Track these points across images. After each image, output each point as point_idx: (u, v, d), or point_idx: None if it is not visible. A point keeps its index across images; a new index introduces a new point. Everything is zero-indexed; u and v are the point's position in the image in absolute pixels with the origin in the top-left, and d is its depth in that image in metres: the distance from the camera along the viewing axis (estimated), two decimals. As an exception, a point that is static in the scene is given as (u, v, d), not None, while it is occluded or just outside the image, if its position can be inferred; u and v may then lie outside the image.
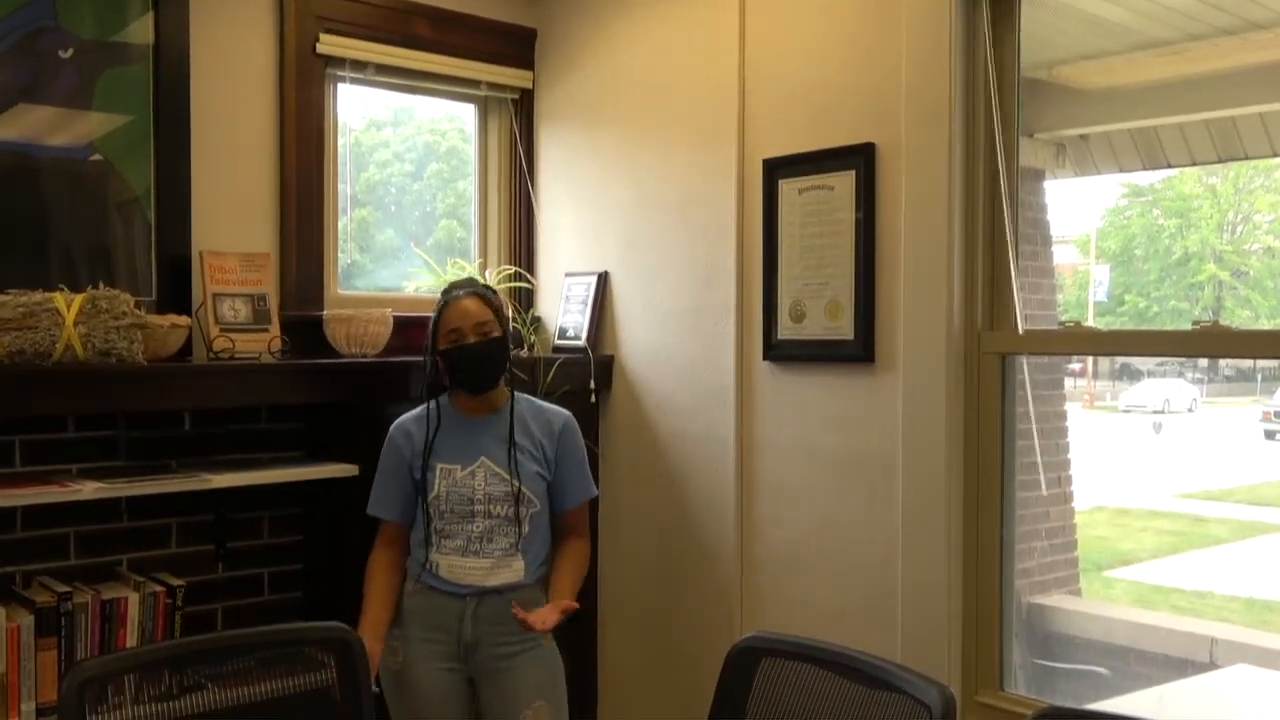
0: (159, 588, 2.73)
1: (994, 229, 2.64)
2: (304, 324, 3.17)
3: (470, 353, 2.56)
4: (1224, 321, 2.34)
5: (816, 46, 2.91)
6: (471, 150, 3.79)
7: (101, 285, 2.64)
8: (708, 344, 3.17)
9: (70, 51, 2.86)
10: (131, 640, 2.66)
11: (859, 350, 2.80)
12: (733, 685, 2.18)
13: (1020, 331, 2.61)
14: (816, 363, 2.91)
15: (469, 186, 3.81)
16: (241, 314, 2.99)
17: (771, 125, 3.02)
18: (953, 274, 2.62)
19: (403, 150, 3.79)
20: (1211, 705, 3.73)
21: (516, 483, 2.55)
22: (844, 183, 2.83)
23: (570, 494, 2.66)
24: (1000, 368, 2.62)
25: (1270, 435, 5.52)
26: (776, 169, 2.99)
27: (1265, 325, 4.19)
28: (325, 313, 3.17)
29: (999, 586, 2.63)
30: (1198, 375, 5.84)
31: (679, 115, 3.26)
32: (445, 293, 2.66)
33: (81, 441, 2.81)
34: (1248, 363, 4.88)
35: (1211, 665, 4.57)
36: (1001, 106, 2.63)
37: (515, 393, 2.64)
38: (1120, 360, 5.29)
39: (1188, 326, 2.37)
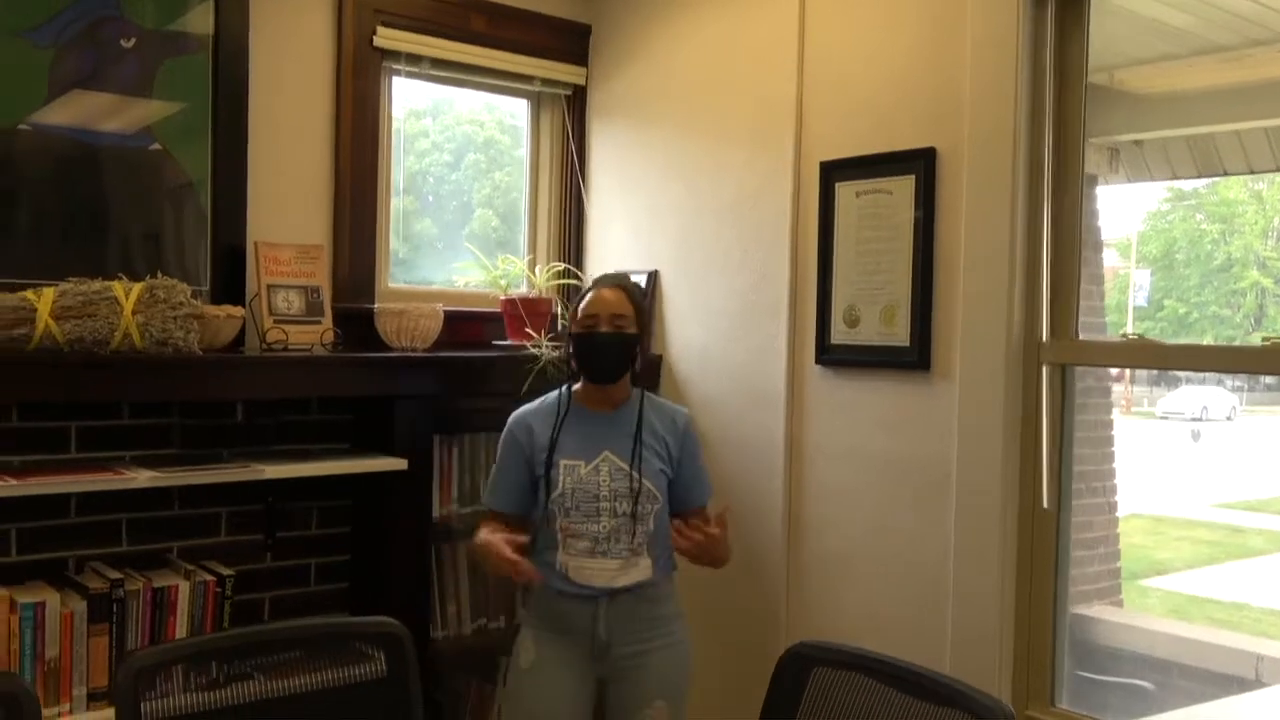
0: (209, 576, 2.74)
1: (1057, 237, 2.61)
2: (354, 316, 3.17)
3: (600, 341, 2.58)
4: (1266, 329, 2.30)
5: (878, 48, 2.87)
6: (523, 145, 3.78)
7: (159, 274, 2.66)
8: (759, 346, 3.15)
9: (132, 41, 2.88)
10: (181, 628, 2.67)
11: (915, 357, 2.77)
12: (783, 692, 2.16)
13: (1081, 341, 2.58)
14: (870, 368, 2.89)
15: (505, 177, 3.80)
16: (295, 306, 3.00)
17: (829, 127, 2.99)
18: (1015, 282, 2.59)
19: (441, 140, 3.78)
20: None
21: (638, 477, 2.54)
22: (903, 187, 2.80)
23: (694, 493, 2.67)
24: (1061, 378, 2.59)
25: (1311, 446, 5.45)
26: (833, 171, 2.96)
27: (1313, 336, 4.13)
28: (376, 306, 3.18)
29: (1053, 599, 2.60)
30: (1237, 383, 5.76)
31: (734, 115, 3.24)
32: (595, 281, 2.71)
33: (136, 429, 2.82)
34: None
35: (1257, 681, 4.50)
36: (1068, 111, 2.59)
37: (645, 390, 2.66)
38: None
39: (1230, 333, 2.33)
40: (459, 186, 3.78)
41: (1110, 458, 4.23)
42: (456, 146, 3.77)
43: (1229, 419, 5.97)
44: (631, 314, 2.60)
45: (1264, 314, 4.22)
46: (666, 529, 2.59)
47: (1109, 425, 4.22)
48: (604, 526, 2.53)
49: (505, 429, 2.68)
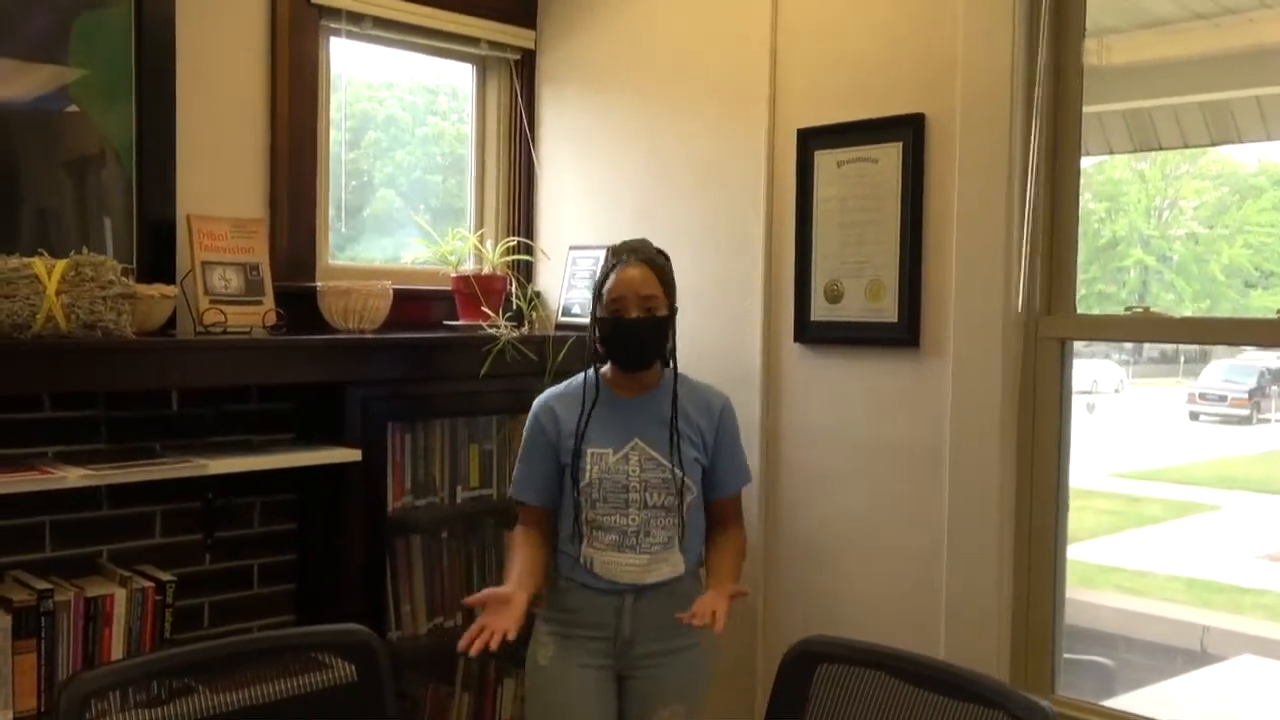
0: (147, 583, 2.48)
1: (1054, 206, 2.50)
2: (294, 296, 2.92)
3: (628, 328, 2.38)
4: (1150, 305, 2.29)
5: (861, 5, 2.73)
6: (469, 114, 3.56)
7: (85, 250, 2.39)
8: (732, 325, 2.99)
9: (44, -9, 2.58)
10: (118, 641, 2.42)
11: (904, 333, 2.64)
12: (789, 692, 2.03)
13: (1081, 315, 2.49)
14: (855, 346, 2.75)
15: (407, 156, 3.55)
16: (233, 285, 2.74)
17: (807, 92, 2.84)
18: (1011, 254, 2.48)
19: (337, 118, 3.49)
20: (1222, 698, 3.67)
21: (680, 473, 2.37)
22: (889, 155, 2.67)
23: (727, 481, 2.49)
24: (1060, 353, 2.49)
25: (1195, 416, 5.56)
26: (812, 139, 2.81)
27: (1188, 310, 4.19)
28: (320, 285, 2.93)
29: (1053, 583, 2.51)
30: (1124, 357, 5.84)
31: (701, 80, 3.06)
32: (613, 254, 2.45)
33: (58, 422, 2.54)
34: (1172, 345, 4.88)
35: (1204, 653, 4.52)
36: (1066, 73, 2.49)
37: (677, 373, 2.46)
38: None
39: (1115, 309, 2.30)
40: (356, 166, 3.45)
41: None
42: (356, 125, 3.47)
43: (1118, 391, 6.05)
44: (661, 293, 2.40)
45: (1147, 290, 4.27)
46: (699, 521, 2.46)
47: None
48: (633, 519, 2.36)
49: (531, 415, 2.50)
